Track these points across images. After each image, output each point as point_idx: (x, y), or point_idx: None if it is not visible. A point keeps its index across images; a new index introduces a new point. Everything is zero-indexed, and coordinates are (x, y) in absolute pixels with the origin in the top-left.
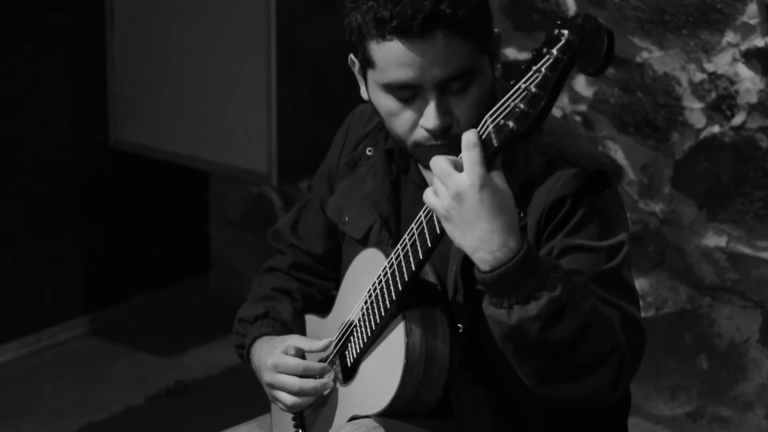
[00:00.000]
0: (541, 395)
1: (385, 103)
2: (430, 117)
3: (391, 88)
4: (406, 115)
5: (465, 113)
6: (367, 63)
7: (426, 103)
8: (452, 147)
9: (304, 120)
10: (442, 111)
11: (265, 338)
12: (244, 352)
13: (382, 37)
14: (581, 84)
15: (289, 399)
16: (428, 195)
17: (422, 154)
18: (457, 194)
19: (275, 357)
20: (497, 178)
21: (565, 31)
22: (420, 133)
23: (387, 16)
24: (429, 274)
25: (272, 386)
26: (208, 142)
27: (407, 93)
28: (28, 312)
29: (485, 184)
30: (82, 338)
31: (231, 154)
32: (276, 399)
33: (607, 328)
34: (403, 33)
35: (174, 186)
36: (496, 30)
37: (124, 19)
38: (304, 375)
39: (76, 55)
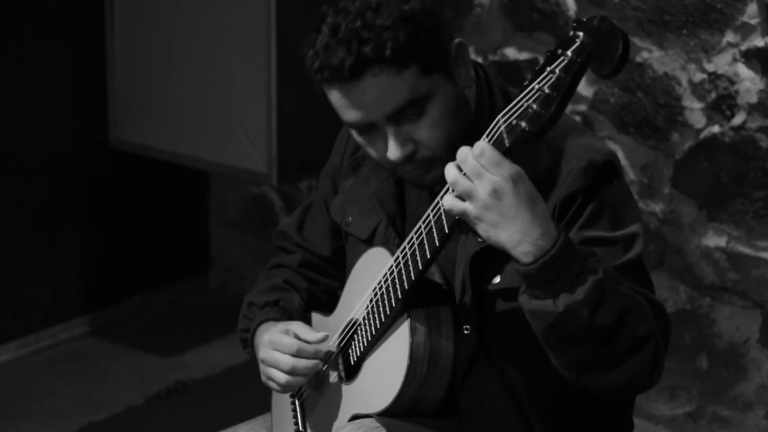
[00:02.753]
0: (582, 385)
1: (354, 136)
2: (391, 150)
3: (351, 126)
4: (375, 147)
5: (426, 137)
6: (327, 103)
7: (385, 135)
8: (425, 169)
9: (303, 120)
10: (402, 141)
11: (271, 323)
12: (249, 335)
13: (325, 84)
14: (581, 84)
15: (281, 377)
16: (454, 204)
17: (403, 175)
18: (495, 191)
19: (272, 335)
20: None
21: (580, 33)
22: (391, 162)
23: (320, 66)
24: (435, 274)
25: (265, 362)
26: (208, 142)
27: (366, 128)
28: (28, 312)
29: (518, 176)
30: (82, 338)
31: (231, 154)
32: (269, 377)
33: (643, 313)
34: (337, 80)
35: (174, 186)
36: (456, 40)
37: (124, 19)
38: (297, 355)
39: (76, 55)
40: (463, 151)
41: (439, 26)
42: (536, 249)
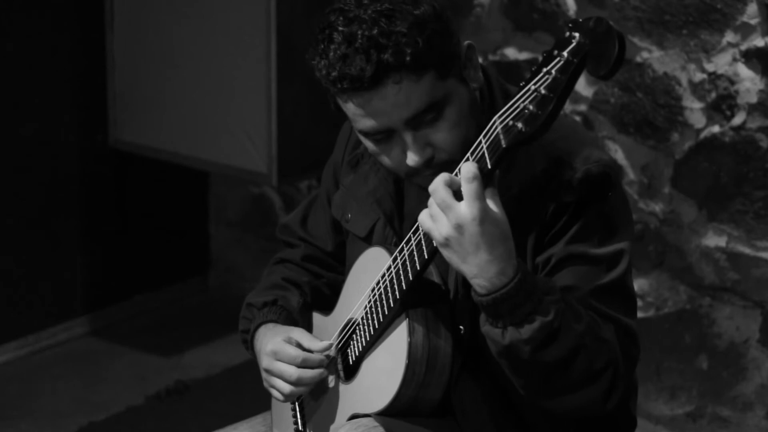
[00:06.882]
0: (534, 405)
1: (368, 145)
2: (410, 155)
3: (366, 134)
4: (390, 155)
5: (444, 140)
6: (339, 112)
7: (403, 141)
8: (442, 170)
9: (304, 120)
10: (421, 145)
11: (270, 325)
12: (248, 336)
13: (341, 94)
14: (581, 84)
15: (286, 387)
16: (425, 219)
17: (419, 182)
18: (459, 226)
19: (275, 344)
20: (494, 205)
21: (576, 34)
22: (407, 167)
23: (337, 77)
24: (433, 274)
25: (269, 372)
26: (208, 142)
27: (382, 135)
28: (28, 312)
29: (485, 217)
30: (82, 338)
31: (231, 154)
32: (272, 386)
33: (600, 348)
34: (356, 90)
35: (174, 186)
36: (466, 42)
37: (124, 19)
38: (302, 366)
39: (76, 55)
40: (437, 181)
41: (449, 30)
42: (490, 285)
